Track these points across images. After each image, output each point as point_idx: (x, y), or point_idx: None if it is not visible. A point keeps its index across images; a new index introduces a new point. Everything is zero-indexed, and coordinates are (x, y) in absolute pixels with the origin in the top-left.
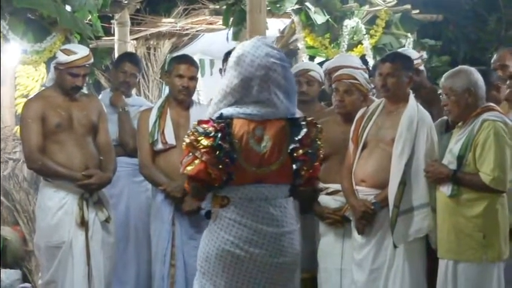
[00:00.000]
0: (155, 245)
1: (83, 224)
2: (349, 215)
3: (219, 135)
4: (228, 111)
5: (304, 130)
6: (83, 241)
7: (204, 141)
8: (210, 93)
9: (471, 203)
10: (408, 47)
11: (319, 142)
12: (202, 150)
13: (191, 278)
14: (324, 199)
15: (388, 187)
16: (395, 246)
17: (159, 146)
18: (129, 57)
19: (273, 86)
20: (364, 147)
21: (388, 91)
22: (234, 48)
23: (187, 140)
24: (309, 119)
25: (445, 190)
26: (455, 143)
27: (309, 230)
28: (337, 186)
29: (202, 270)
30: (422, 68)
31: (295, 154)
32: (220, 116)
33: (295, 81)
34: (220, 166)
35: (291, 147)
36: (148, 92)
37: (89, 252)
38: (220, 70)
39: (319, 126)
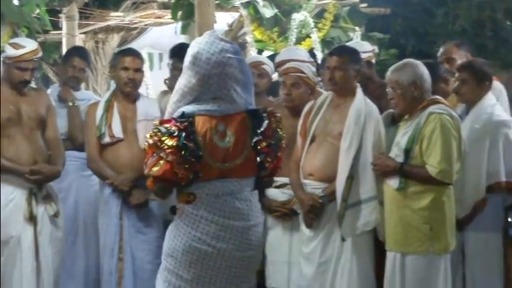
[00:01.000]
0: (103, 239)
1: (32, 218)
2: (297, 208)
3: (183, 134)
4: (188, 109)
5: (266, 122)
6: (31, 236)
7: (169, 141)
8: (159, 86)
9: (418, 196)
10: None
11: (280, 132)
12: (167, 150)
13: (139, 272)
14: (272, 192)
15: (336, 181)
16: (343, 240)
17: (107, 139)
18: (78, 52)
19: (231, 81)
20: (312, 141)
21: (336, 84)
22: (178, 44)
23: (151, 141)
24: (269, 109)
25: (392, 183)
26: (402, 136)
27: None
28: (285, 180)
29: (168, 265)
30: (373, 61)
31: (258, 147)
32: (182, 115)
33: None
34: (187, 165)
35: (254, 140)
36: (97, 86)
37: (37, 246)
38: (168, 65)
39: (278, 115)
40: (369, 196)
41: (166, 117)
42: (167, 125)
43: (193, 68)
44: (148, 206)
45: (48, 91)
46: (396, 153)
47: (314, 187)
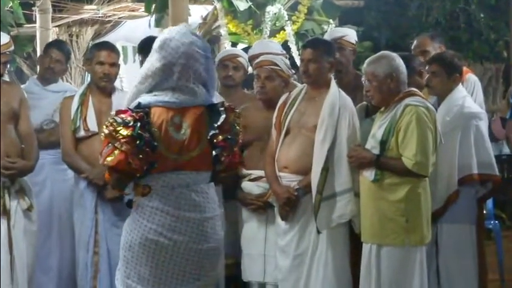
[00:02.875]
0: (78, 233)
1: (5, 212)
2: (273, 201)
3: (138, 124)
4: (145, 100)
5: (223, 116)
6: (4, 230)
7: (123, 131)
8: (133, 80)
9: (394, 188)
10: None
11: (238, 127)
12: (122, 140)
13: (115, 265)
14: (246, 185)
15: (311, 173)
16: (318, 232)
17: (82, 133)
18: (56, 44)
19: (193, 75)
20: (286, 134)
21: (310, 77)
22: (146, 38)
23: (106, 131)
24: (227, 104)
25: (368, 175)
26: (378, 128)
27: (232, 216)
28: (260, 173)
29: (125, 259)
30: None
31: (214, 140)
32: (138, 105)
33: (221, 65)
34: (141, 155)
35: (210, 133)
36: (71, 79)
37: (11, 241)
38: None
39: (237, 111)
40: (344, 188)
41: (126, 102)
42: (123, 115)
43: (161, 52)
44: (123, 200)
45: (26, 84)
46: (372, 145)
47: (289, 180)
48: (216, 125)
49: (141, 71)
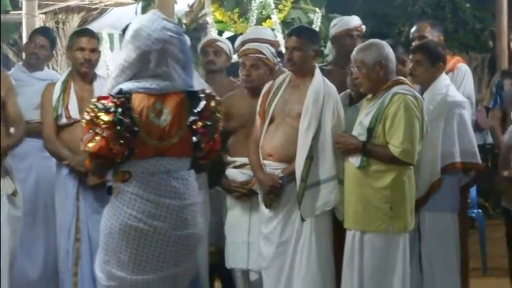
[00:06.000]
0: (60, 219)
1: None
2: (257, 189)
3: (119, 110)
4: (126, 86)
5: (203, 102)
6: None
7: (104, 117)
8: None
9: (379, 175)
10: (317, 22)
11: (218, 115)
12: (103, 126)
13: (96, 252)
14: (231, 172)
15: (295, 161)
16: (302, 220)
17: (63, 120)
18: (41, 30)
19: (170, 60)
20: (271, 122)
21: (294, 65)
22: (129, 24)
23: (87, 117)
24: (208, 91)
25: (354, 161)
26: (366, 115)
27: (217, 204)
28: (245, 160)
29: (105, 246)
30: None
31: (194, 126)
32: (120, 92)
33: (202, 51)
34: (122, 141)
35: (190, 119)
36: (57, 66)
37: None
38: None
39: (218, 98)
40: (328, 176)
41: (105, 92)
42: (104, 101)
43: (134, 42)
44: (105, 187)
45: (12, 71)
46: (359, 132)
47: (273, 167)
48: (195, 111)
49: (117, 62)
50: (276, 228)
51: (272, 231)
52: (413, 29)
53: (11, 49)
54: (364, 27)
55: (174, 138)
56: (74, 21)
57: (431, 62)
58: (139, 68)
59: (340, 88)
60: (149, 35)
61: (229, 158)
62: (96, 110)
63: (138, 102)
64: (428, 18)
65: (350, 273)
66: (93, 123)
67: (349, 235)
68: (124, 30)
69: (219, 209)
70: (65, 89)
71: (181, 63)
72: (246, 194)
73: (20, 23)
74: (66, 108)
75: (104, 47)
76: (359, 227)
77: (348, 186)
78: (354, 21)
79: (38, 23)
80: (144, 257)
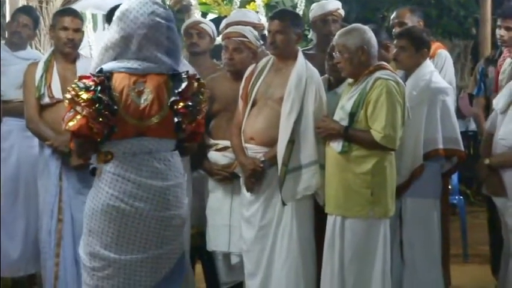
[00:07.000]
0: (42, 200)
1: None
2: (238, 172)
3: (99, 88)
4: (108, 66)
5: (185, 83)
6: None
7: (84, 95)
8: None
9: (360, 160)
10: (300, 6)
11: (201, 97)
12: (83, 104)
13: (78, 233)
14: (213, 155)
15: (277, 145)
16: (283, 204)
17: (46, 100)
18: (24, 9)
19: (154, 45)
20: (253, 105)
21: (277, 48)
22: (113, 7)
23: (69, 96)
24: (191, 73)
25: (336, 146)
26: (348, 100)
27: (198, 186)
28: (227, 143)
29: (88, 227)
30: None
31: (175, 107)
32: (100, 71)
33: (186, 34)
34: (101, 119)
35: (171, 99)
36: (40, 46)
37: None
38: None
39: (201, 81)
40: (309, 161)
41: (90, 71)
42: (85, 81)
43: (120, 23)
44: (88, 168)
45: None
46: (341, 117)
47: (255, 151)
48: (177, 91)
49: (102, 42)
50: (257, 211)
51: (253, 215)
52: (393, 15)
53: None
54: (342, 12)
55: (154, 118)
56: (58, 1)
57: (415, 48)
58: (121, 49)
59: (322, 72)
60: (136, 18)
61: (211, 141)
62: (77, 88)
63: (119, 81)
64: (413, 4)
65: (331, 258)
66: (74, 102)
67: (330, 220)
68: (108, 14)
69: (201, 191)
70: (47, 69)
71: (166, 50)
72: (227, 177)
73: (3, 2)
74: (49, 87)
75: (88, 27)
76: (340, 212)
77: (329, 171)
78: (330, 5)
79: (21, 1)
80: (126, 238)
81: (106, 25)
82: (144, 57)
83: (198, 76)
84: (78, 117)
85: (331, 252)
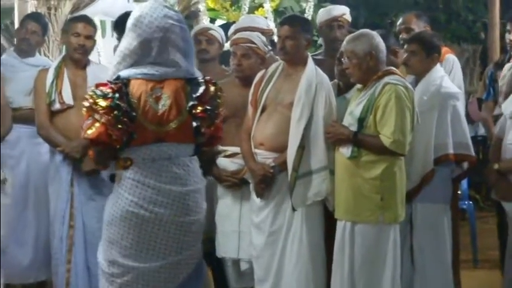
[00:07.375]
0: (54, 206)
1: None
2: (248, 178)
3: (117, 95)
4: (125, 72)
5: (202, 87)
6: None
7: (102, 103)
8: (111, 54)
9: (370, 165)
10: (309, 11)
11: (219, 100)
12: (101, 111)
13: (90, 239)
14: (222, 162)
15: (287, 151)
16: (294, 210)
17: (57, 106)
18: (33, 16)
19: (172, 48)
20: (263, 111)
21: (287, 54)
22: (122, 15)
23: (86, 104)
24: (207, 78)
25: (345, 151)
26: (356, 106)
27: (207, 193)
28: (236, 149)
29: (107, 233)
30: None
31: (194, 111)
32: (118, 78)
33: (195, 40)
34: (120, 126)
35: (189, 104)
36: (49, 52)
37: None
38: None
39: (218, 85)
40: (319, 166)
41: (107, 78)
42: (102, 88)
43: (135, 30)
44: (99, 173)
45: (3, 56)
46: (350, 122)
47: (265, 157)
48: (195, 96)
49: (118, 50)
50: (267, 217)
51: (263, 221)
52: (399, 21)
53: (3, 35)
54: (349, 17)
55: (173, 123)
56: (66, 8)
57: (426, 53)
58: (140, 56)
59: (331, 77)
60: (151, 22)
61: (220, 147)
62: (94, 96)
63: (137, 87)
64: (421, 9)
65: (341, 263)
66: (92, 109)
67: (339, 225)
68: (116, 23)
69: (210, 197)
70: (58, 75)
71: (183, 51)
72: (236, 183)
73: (12, 9)
74: (60, 93)
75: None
76: (350, 217)
77: (338, 176)
78: (336, 10)
79: (30, 8)
80: (146, 244)
81: (115, 32)
82: (162, 62)
83: (213, 80)
84: (97, 124)
85: (341, 258)
